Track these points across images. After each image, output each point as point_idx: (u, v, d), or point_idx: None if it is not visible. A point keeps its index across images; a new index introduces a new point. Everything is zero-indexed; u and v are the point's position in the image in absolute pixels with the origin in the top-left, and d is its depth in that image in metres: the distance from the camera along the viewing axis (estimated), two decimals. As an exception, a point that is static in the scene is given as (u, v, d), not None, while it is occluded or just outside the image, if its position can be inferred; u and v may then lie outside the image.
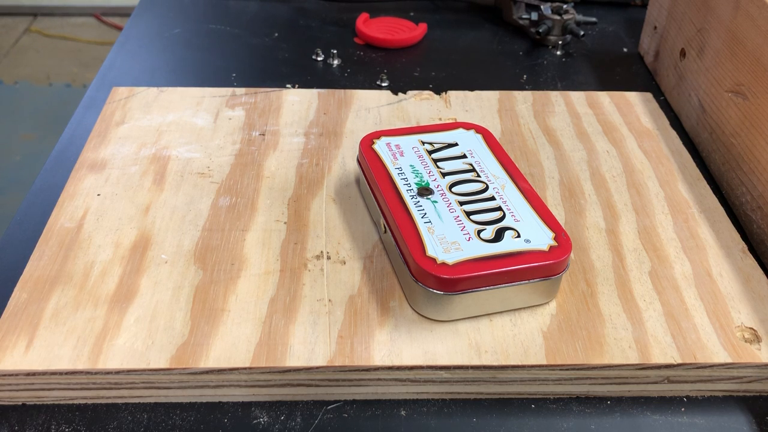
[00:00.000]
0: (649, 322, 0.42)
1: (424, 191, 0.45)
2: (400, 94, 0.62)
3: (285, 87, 0.65)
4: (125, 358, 0.38)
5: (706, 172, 0.56)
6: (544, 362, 0.39)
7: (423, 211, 0.43)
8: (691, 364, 0.40)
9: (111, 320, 0.40)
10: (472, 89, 0.63)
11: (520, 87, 0.67)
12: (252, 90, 0.61)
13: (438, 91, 0.63)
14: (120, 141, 0.55)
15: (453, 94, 0.62)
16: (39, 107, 2.03)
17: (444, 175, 0.47)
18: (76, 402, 0.39)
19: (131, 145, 0.54)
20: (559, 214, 0.50)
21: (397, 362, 0.39)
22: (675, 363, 0.39)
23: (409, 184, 0.46)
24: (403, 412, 0.39)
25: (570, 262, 0.45)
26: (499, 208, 0.44)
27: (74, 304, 0.41)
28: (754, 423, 0.39)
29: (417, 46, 0.74)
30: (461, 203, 0.44)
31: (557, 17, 0.73)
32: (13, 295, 0.42)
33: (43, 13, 2.51)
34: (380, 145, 0.49)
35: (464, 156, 0.49)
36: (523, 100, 0.62)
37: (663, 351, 0.40)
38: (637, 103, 0.62)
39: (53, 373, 0.38)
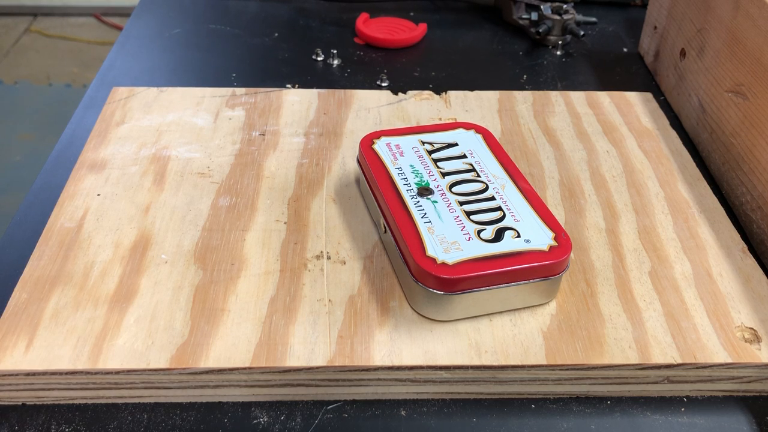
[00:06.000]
0: (649, 322, 0.42)
1: (424, 191, 0.45)
2: (400, 94, 0.62)
3: (285, 87, 0.65)
4: (125, 358, 0.38)
5: (706, 172, 0.56)
6: (544, 362, 0.39)
7: (423, 211, 0.43)
8: (691, 364, 0.40)
9: (111, 320, 0.40)
10: (472, 89, 0.63)
11: (520, 87, 0.67)
12: (252, 90, 0.61)
13: (438, 91, 0.63)
14: (120, 141, 0.55)
15: (453, 94, 0.62)
16: (39, 107, 2.03)
17: (444, 175, 0.47)
18: (76, 402, 0.39)
19: (131, 145, 0.54)
20: (559, 214, 0.50)
21: (397, 362, 0.39)
22: (675, 363, 0.39)
23: (409, 184, 0.46)
24: (403, 412, 0.39)
25: (570, 262, 0.45)
26: (499, 208, 0.44)
27: (74, 304, 0.41)
28: (754, 423, 0.39)
29: (417, 46, 0.74)
30: (461, 203, 0.44)
31: (557, 17, 0.73)
32: (13, 295, 0.42)
33: (43, 13, 2.51)
34: (380, 145, 0.49)
35: (464, 156, 0.49)
36: (523, 100, 0.62)
37: (663, 351, 0.40)
38: (637, 103, 0.62)
39: (53, 373, 0.38)
